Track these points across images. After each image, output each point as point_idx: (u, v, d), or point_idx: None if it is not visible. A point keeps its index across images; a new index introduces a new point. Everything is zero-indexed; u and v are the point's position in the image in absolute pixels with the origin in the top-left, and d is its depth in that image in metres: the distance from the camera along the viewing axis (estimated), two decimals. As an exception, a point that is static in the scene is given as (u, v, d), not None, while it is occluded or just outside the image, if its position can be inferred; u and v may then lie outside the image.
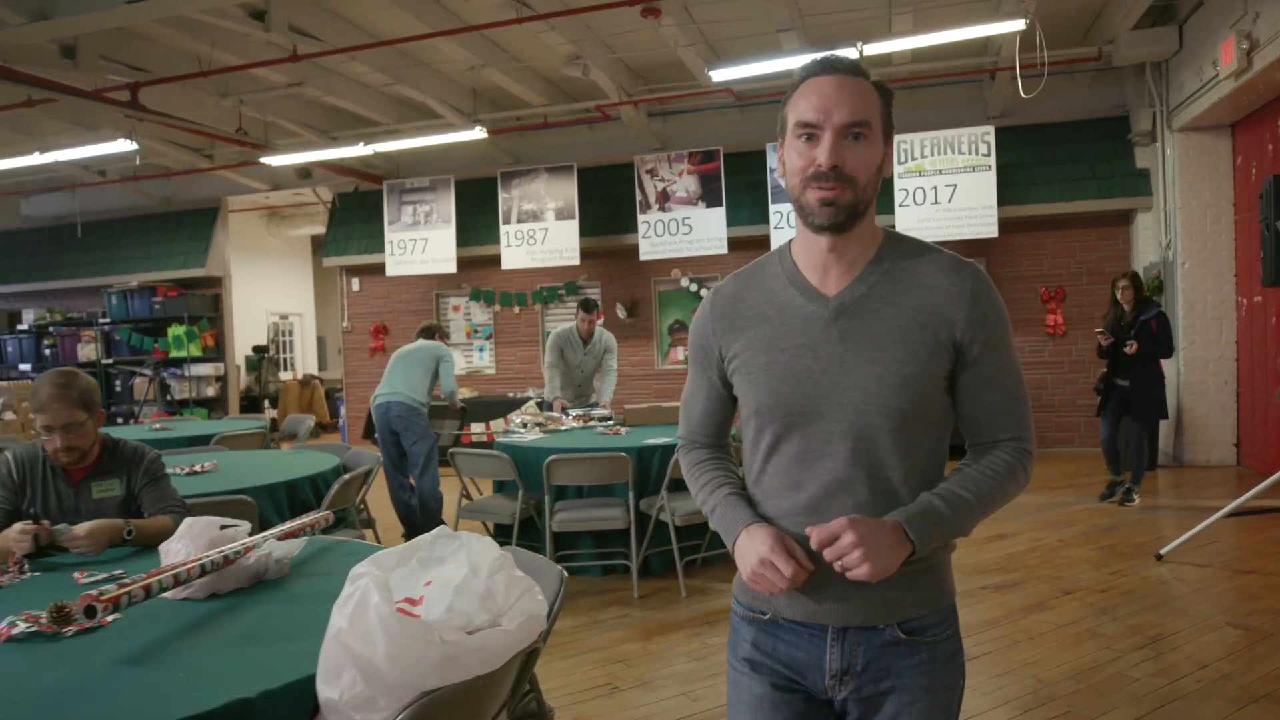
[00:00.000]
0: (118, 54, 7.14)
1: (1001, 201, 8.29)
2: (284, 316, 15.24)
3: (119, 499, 2.67)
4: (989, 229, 8.18)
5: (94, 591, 1.70)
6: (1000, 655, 3.52)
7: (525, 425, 5.52)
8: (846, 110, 1.28)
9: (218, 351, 12.00)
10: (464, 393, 9.50)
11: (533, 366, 10.44)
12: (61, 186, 11.57)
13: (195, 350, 11.60)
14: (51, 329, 12.29)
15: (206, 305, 11.88)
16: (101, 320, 11.99)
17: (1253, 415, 7.35)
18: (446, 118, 8.76)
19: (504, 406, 8.91)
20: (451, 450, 4.80)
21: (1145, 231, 8.33)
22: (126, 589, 1.75)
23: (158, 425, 6.76)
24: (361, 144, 8.28)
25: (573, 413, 5.95)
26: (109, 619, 1.88)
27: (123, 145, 8.28)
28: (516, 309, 10.49)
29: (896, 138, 8.24)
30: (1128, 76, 8.25)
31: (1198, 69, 6.96)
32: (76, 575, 2.26)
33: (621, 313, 10.02)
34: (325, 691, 1.48)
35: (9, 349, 12.51)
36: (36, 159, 8.87)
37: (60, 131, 9.30)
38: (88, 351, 12.06)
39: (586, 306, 6.29)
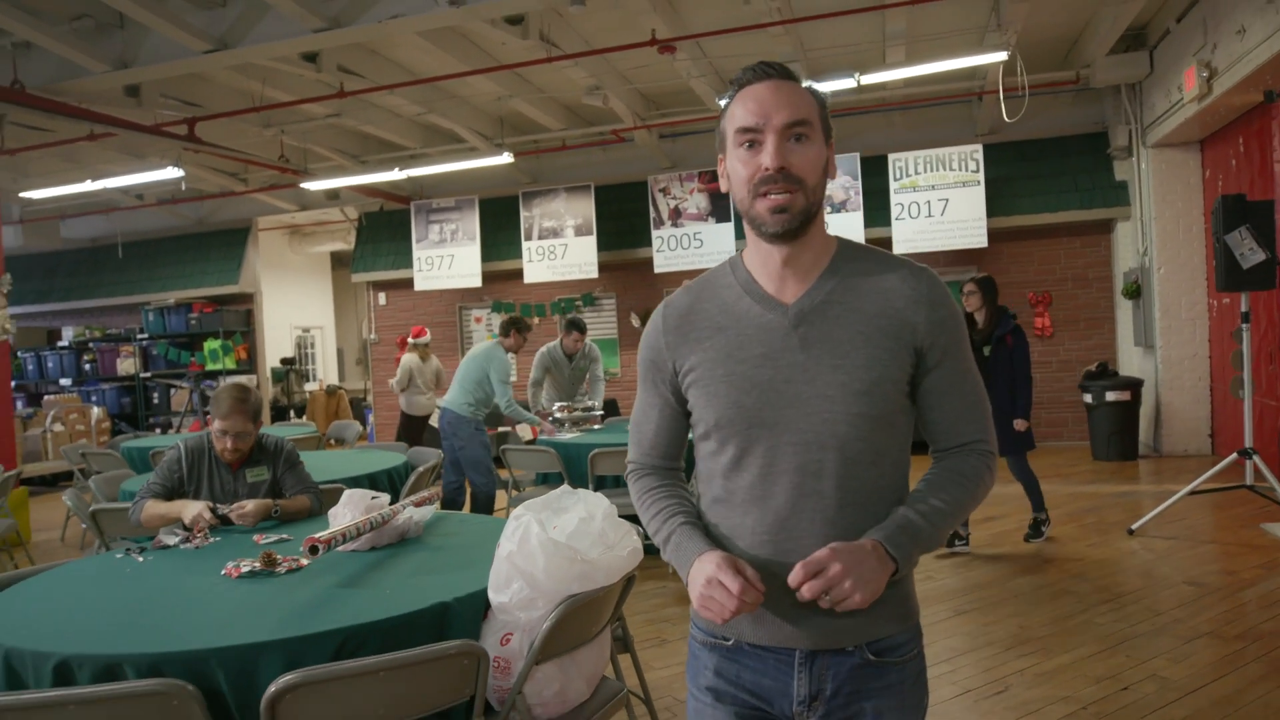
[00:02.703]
0: (176, 92, 7.78)
1: (990, 213, 8.93)
2: (306, 330, 15.86)
3: (267, 482, 3.29)
4: (979, 240, 8.83)
5: (316, 536, 2.33)
6: (988, 609, 4.14)
7: (564, 425, 6.14)
8: (786, 111, 1.27)
9: (250, 364, 12.63)
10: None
11: (552, 374, 11.06)
12: (100, 210, 12.20)
13: (230, 363, 12.22)
14: (91, 345, 12.90)
15: (239, 320, 12.52)
16: (140, 336, 12.61)
17: (1225, 407, 7.98)
18: (472, 142, 9.40)
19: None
20: (504, 447, 5.42)
21: (1125, 239, 8.96)
22: (333, 534, 2.38)
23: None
24: (397, 169, 8.92)
25: (559, 404, 6.44)
26: (306, 561, 2.50)
27: (171, 173, 8.94)
28: (536, 320, 11.12)
29: (891, 156, 8.98)
30: (1106, 95, 8.90)
31: (1166, 91, 7.61)
32: (256, 538, 2.88)
33: (636, 322, 10.65)
34: (497, 597, 2.10)
35: (49, 364, 13.12)
36: (89, 186, 9.51)
37: (108, 160, 9.93)
38: (127, 366, 12.68)
39: (580, 328, 6.66)
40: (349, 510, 2.75)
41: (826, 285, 1.34)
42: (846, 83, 6.97)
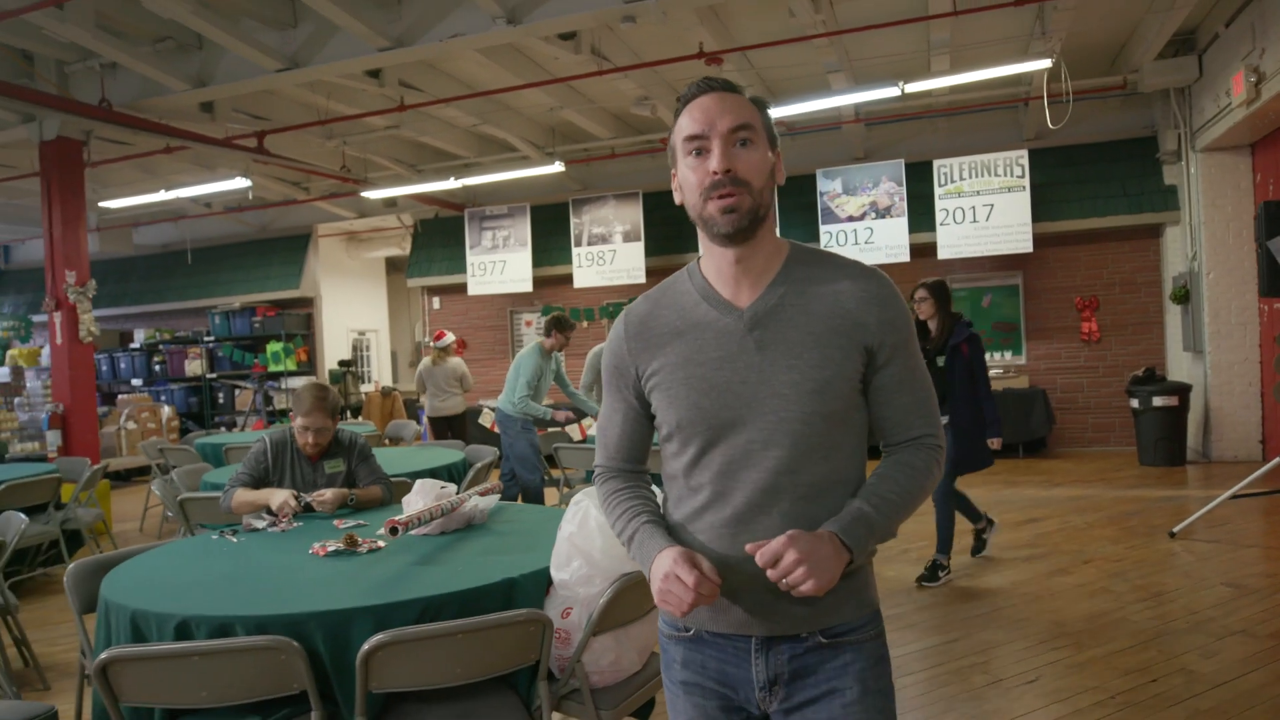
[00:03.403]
0: (246, 107, 8.20)
1: (1036, 218, 8.96)
2: (362, 333, 16.36)
3: (343, 473, 3.56)
4: (1024, 245, 8.87)
5: (395, 519, 2.58)
6: (1024, 606, 4.27)
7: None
8: (730, 117, 1.33)
9: (310, 366, 13.11)
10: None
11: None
12: (170, 218, 12.78)
13: (291, 365, 12.71)
14: (161, 347, 13.50)
15: (300, 323, 13.01)
16: (206, 339, 13.17)
17: (1277, 412, 7.92)
18: (524, 151, 9.71)
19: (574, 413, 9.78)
20: (555, 445, 5.66)
21: (1174, 244, 8.92)
22: (411, 517, 2.63)
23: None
24: (452, 178, 9.25)
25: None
26: (383, 543, 2.76)
27: (239, 183, 9.39)
28: (585, 323, 11.39)
29: (936, 162, 9.09)
30: (1155, 100, 8.87)
31: (1215, 95, 7.59)
32: (336, 523, 3.16)
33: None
34: (558, 574, 2.33)
35: (122, 365, 13.76)
36: (163, 195, 10.01)
37: (181, 171, 10.45)
38: (194, 367, 13.24)
39: None
40: (421, 498, 3.00)
41: (779, 289, 1.39)
42: (891, 91, 7.10)
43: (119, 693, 1.98)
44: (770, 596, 1.34)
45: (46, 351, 13.89)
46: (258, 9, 6.29)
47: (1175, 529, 5.49)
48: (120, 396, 12.64)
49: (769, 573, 1.25)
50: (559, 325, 6.51)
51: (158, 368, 13.51)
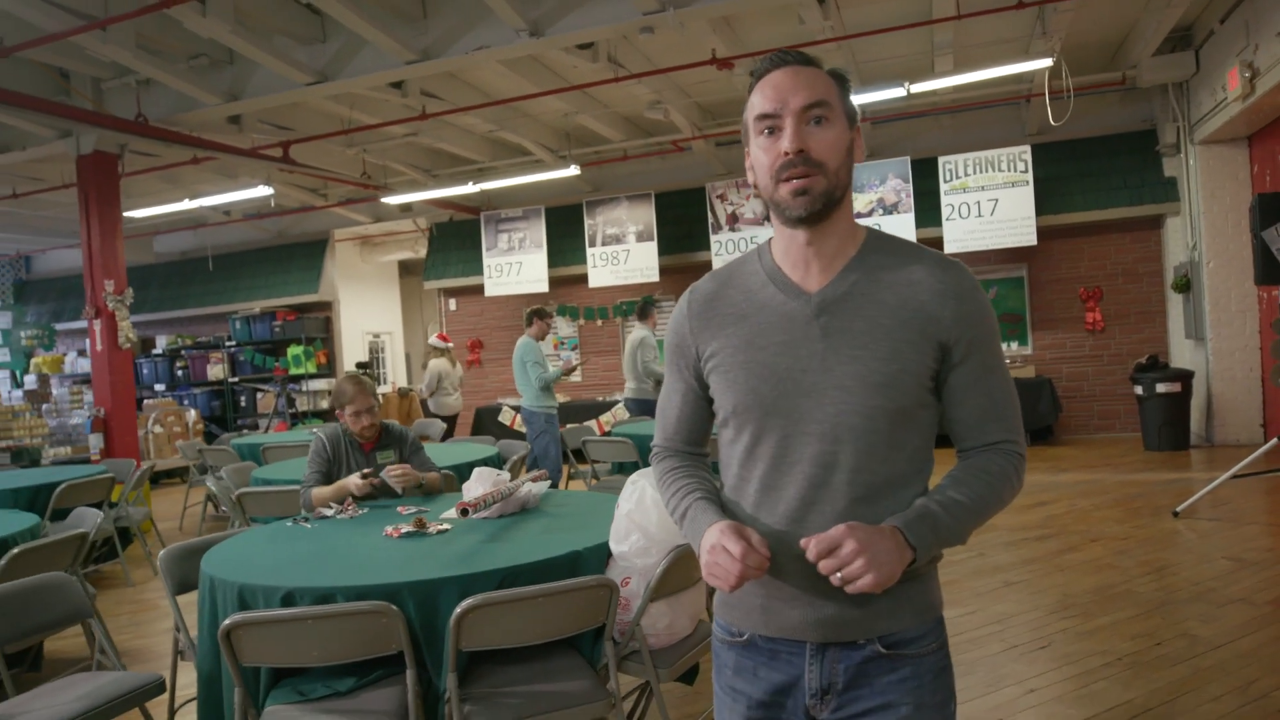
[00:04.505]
0: (272, 118, 8.46)
1: (1040, 212, 9.21)
2: (377, 335, 16.64)
3: (394, 463, 3.82)
4: (1028, 238, 9.11)
5: (465, 501, 2.84)
6: (1035, 580, 4.52)
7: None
8: (803, 94, 1.25)
9: (329, 368, 13.39)
10: (560, 397, 10.59)
11: (615, 374, 11.58)
12: (189, 226, 13.06)
13: (311, 368, 12.99)
14: (183, 352, 13.79)
15: (319, 327, 13.28)
16: (228, 343, 13.46)
17: (1277, 396, 8.15)
18: (538, 155, 9.96)
19: (592, 409, 10.04)
20: (584, 439, 5.93)
21: (1175, 234, 9.15)
22: (480, 500, 2.90)
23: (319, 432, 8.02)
24: (470, 183, 9.51)
25: None
26: (448, 526, 3.02)
27: (262, 190, 9.65)
28: (599, 322, 11.66)
29: (941, 159, 9.31)
30: (1154, 94, 9.10)
31: (1212, 90, 7.83)
32: (400, 509, 3.42)
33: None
34: (617, 548, 2.59)
35: (144, 371, 14.03)
36: (186, 205, 10.30)
37: (204, 180, 10.71)
38: (216, 371, 13.52)
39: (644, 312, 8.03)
40: (479, 484, 3.26)
41: (851, 276, 1.32)
42: (897, 91, 7.35)
43: (239, 654, 2.24)
44: (825, 599, 1.27)
45: (70, 359, 14.22)
46: (289, 25, 6.55)
47: (1179, 508, 5.74)
48: (145, 401, 12.91)
49: (823, 564, 1.17)
50: (538, 314, 7.21)
51: (180, 373, 13.79)
